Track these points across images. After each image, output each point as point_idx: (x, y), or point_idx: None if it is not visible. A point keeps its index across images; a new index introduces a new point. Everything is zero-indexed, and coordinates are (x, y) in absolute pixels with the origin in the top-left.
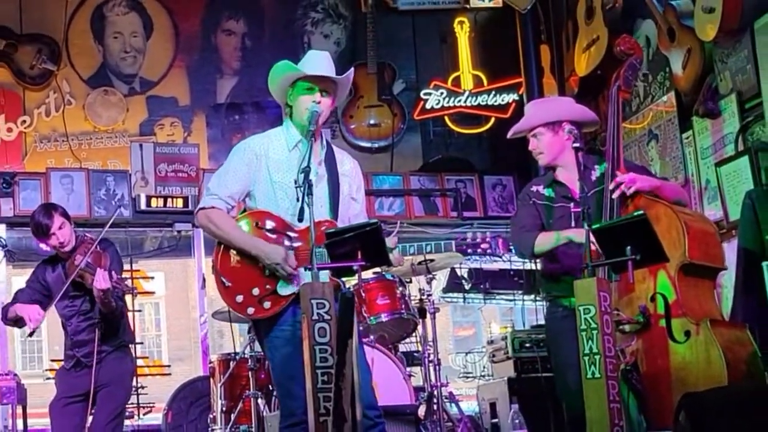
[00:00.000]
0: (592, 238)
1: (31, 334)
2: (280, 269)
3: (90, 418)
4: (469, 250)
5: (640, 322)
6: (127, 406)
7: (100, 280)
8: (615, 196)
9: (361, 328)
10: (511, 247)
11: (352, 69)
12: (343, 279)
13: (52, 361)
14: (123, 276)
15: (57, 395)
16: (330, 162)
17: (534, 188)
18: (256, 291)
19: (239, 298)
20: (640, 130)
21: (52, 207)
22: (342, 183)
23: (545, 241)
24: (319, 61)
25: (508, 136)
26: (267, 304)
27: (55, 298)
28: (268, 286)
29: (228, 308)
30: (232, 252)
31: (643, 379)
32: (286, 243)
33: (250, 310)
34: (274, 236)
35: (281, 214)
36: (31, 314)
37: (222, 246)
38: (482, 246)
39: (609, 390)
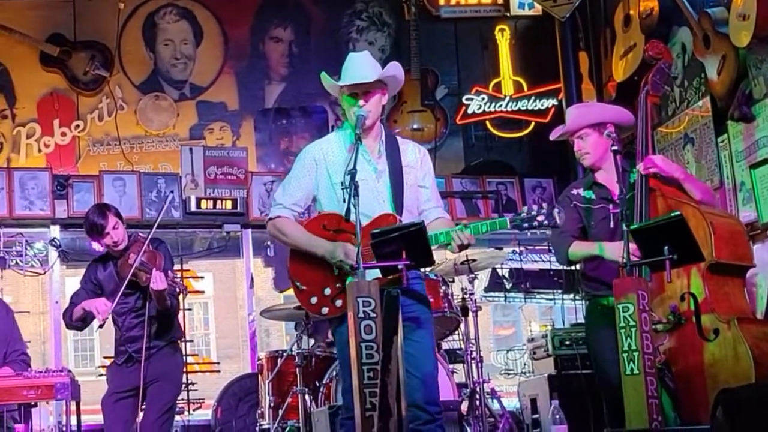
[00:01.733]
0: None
1: (101, 326)
2: (344, 264)
3: (141, 414)
4: (525, 225)
5: (671, 322)
6: (177, 401)
7: (158, 281)
8: (643, 173)
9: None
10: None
11: (394, 64)
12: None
13: (105, 358)
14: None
15: (109, 390)
16: (393, 155)
17: (574, 191)
18: (327, 291)
19: (313, 300)
20: (677, 134)
21: (106, 207)
22: (406, 174)
23: (578, 250)
24: (355, 66)
25: (552, 137)
26: (339, 303)
27: (115, 295)
28: (338, 285)
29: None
30: (303, 256)
31: (676, 377)
32: (351, 240)
33: (324, 310)
34: (339, 236)
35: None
36: (99, 306)
37: (293, 252)
38: (538, 218)
39: (647, 386)
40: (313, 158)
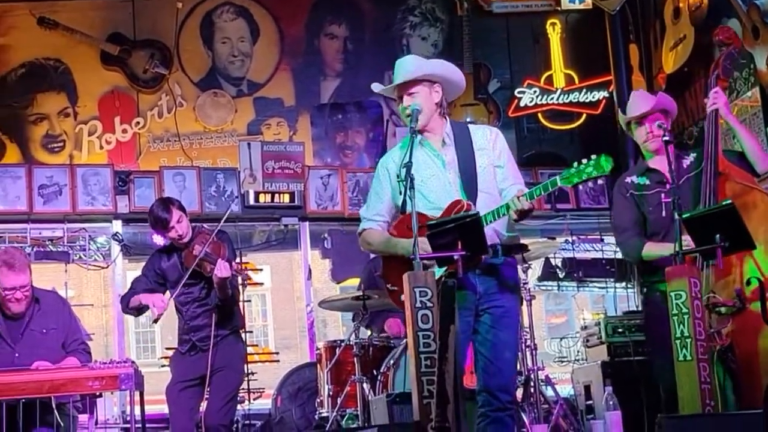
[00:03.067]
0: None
1: (156, 321)
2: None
3: (204, 403)
4: (575, 179)
5: (736, 305)
6: (239, 390)
7: (222, 269)
8: (709, 110)
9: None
10: None
11: (435, 61)
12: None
13: (167, 349)
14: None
15: (173, 380)
16: (463, 143)
17: (627, 179)
18: None
19: (403, 297)
20: (726, 125)
21: (170, 201)
22: (479, 158)
23: (653, 251)
24: (397, 70)
25: (638, 112)
26: None
27: (177, 286)
28: None
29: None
30: (391, 259)
31: (737, 360)
32: None
33: None
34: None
35: (423, 211)
36: (156, 302)
37: (384, 257)
38: (587, 171)
39: (700, 371)
40: (385, 168)
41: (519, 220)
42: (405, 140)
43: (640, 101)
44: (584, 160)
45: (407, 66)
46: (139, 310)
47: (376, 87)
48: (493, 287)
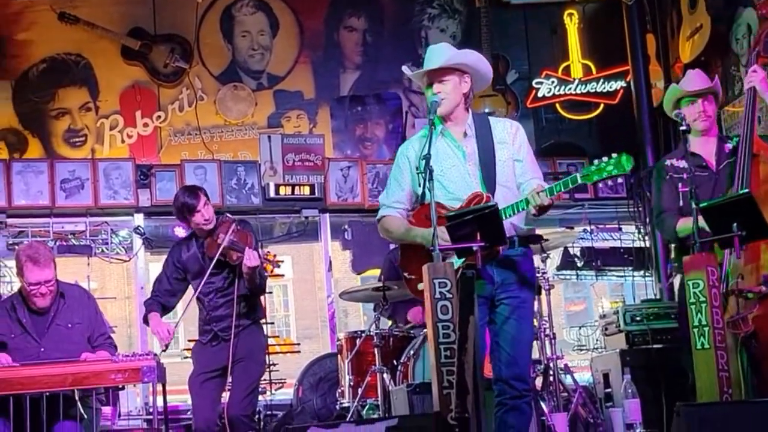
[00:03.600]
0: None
1: (163, 350)
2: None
3: (226, 393)
4: (596, 177)
5: (761, 291)
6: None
7: (251, 258)
8: (746, 87)
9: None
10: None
11: (469, 52)
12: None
13: (189, 341)
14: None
15: (195, 370)
16: (483, 135)
17: (668, 162)
18: None
19: (420, 286)
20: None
21: (196, 187)
22: (498, 151)
23: (687, 225)
24: (430, 56)
25: (695, 88)
26: None
27: (198, 277)
28: None
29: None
30: (409, 248)
31: (760, 346)
32: None
33: None
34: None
35: (443, 201)
36: (161, 333)
37: (402, 245)
38: (607, 168)
39: (718, 360)
40: (406, 156)
41: (538, 216)
42: (426, 129)
43: (698, 78)
44: (605, 158)
45: (441, 53)
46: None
47: (406, 70)
48: (510, 278)
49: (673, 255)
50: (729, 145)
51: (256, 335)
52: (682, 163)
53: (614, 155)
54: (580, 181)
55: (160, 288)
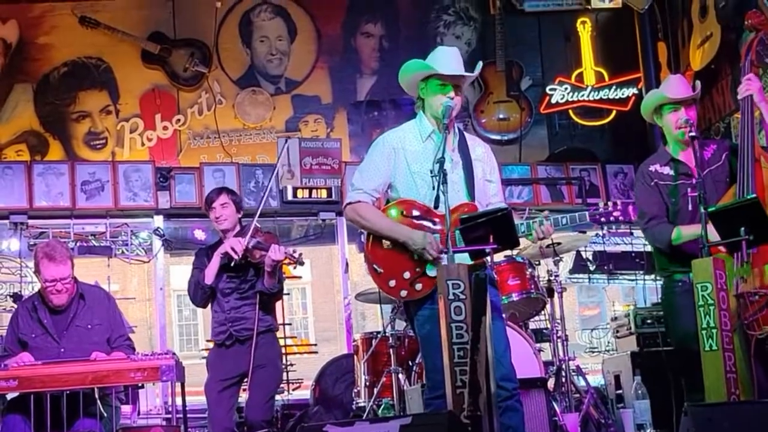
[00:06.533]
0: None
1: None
2: (426, 253)
3: (243, 397)
4: (602, 219)
5: None
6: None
7: (276, 252)
8: (741, 97)
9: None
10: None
11: (480, 63)
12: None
13: (208, 341)
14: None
15: (213, 377)
16: (463, 148)
17: (652, 168)
18: (407, 275)
19: (392, 283)
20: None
21: (225, 188)
22: (475, 167)
23: (684, 233)
24: (450, 59)
25: (680, 96)
26: (419, 286)
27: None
28: (418, 269)
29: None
30: (382, 241)
31: None
32: (430, 228)
33: (403, 293)
34: (419, 222)
35: (424, 202)
36: (234, 245)
37: (371, 236)
38: (614, 214)
39: (725, 361)
40: (392, 146)
41: (537, 242)
42: (414, 123)
43: (681, 85)
44: (610, 204)
45: (461, 62)
46: (210, 292)
47: (417, 64)
48: None
49: (656, 262)
50: (709, 151)
51: (274, 343)
52: (666, 170)
53: (619, 202)
54: (587, 220)
55: (200, 277)
